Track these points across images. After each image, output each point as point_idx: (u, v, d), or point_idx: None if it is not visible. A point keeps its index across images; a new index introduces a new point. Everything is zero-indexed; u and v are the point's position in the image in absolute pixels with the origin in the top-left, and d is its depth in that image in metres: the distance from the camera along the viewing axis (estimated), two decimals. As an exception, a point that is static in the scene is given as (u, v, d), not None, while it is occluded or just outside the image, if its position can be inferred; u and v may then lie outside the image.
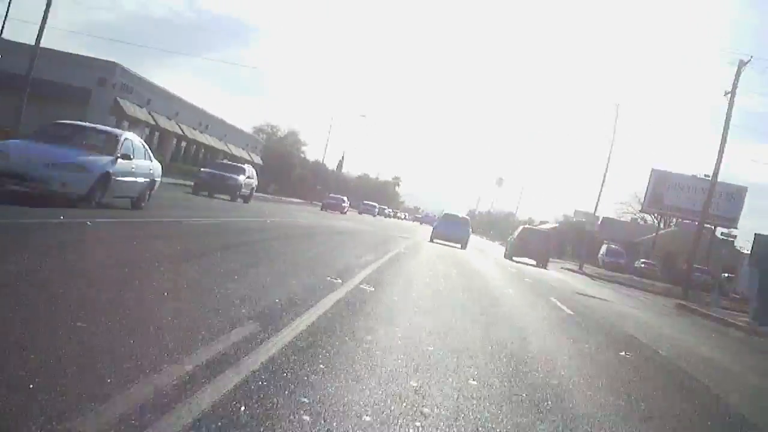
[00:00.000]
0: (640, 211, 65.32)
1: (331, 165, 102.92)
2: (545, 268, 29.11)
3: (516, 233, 33.28)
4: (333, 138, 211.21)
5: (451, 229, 30.55)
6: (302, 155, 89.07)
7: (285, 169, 69.38)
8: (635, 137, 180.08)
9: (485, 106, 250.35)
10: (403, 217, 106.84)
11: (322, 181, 71.60)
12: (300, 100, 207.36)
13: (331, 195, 52.95)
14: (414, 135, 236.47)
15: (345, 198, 52.02)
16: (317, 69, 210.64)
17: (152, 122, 44.47)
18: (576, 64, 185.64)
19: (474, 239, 65.34)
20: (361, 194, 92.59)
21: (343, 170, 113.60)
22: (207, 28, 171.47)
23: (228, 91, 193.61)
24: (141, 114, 43.05)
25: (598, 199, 40.11)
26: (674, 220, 64.51)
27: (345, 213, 49.57)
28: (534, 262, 30.08)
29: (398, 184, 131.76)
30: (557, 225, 69.80)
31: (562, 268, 37.51)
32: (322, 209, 46.59)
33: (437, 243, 29.91)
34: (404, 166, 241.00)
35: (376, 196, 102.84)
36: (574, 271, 35.97)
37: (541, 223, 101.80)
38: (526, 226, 38.96)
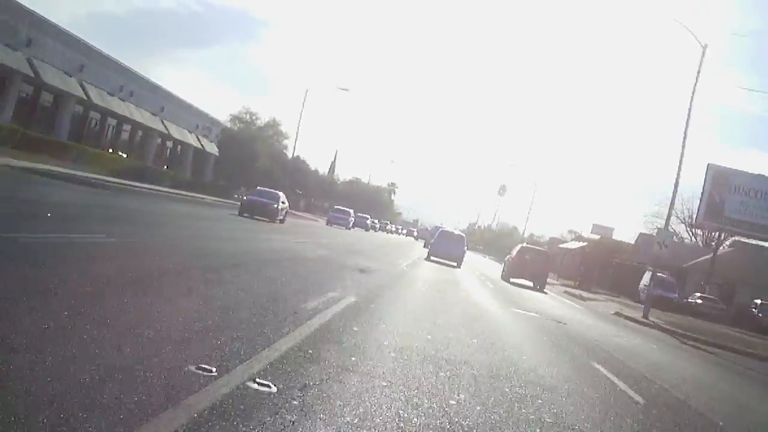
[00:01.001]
0: (692, 225, 52.16)
1: (322, 168, 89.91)
2: (543, 292, 27.28)
3: (514, 252, 31.94)
4: (312, 121, 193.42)
5: (447, 248, 30.68)
6: (284, 150, 75.77)
7: (249, 162, 56.31)
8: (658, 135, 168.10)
9: (487, 111, 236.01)
10: (394, 229, 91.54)
11: (293, 178, 58.03)
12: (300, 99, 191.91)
13: (259, 188, 33.82)
14: (413, 142, 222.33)
15: (280, 194, 32.35)
16: (316, 66, 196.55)
17: (30, 74, 31.24)
18: (587, 58, 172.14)
19: (476, 259, 51.92)
20: (350, 202, 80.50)
21: (336, 174, 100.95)
22: (212, 21, 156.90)
23: (237, 89, 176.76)
24: (10, 59, 29.89)
25: (672, 204, 26.44)
26: (722, 236, 51.46)
27: (281, 221, 31.20)
28: (532, 284, 28.73)
29: (394, 192, 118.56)
30: (584, 245, 55.48)
31: (618, 315, 24.26)
32: (241, 214, 29.21)
33: (430, 286, 17.35)
34: (402, 176, 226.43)
35: (368, 204, 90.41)
36: (636, 320, 22.73)
37: (551, 240, 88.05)
38: (525, 245, 35.86)
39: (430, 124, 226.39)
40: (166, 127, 45.49)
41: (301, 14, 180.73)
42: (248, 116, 73.96)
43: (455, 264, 29.09)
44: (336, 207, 55.48)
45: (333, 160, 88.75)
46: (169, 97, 46.39)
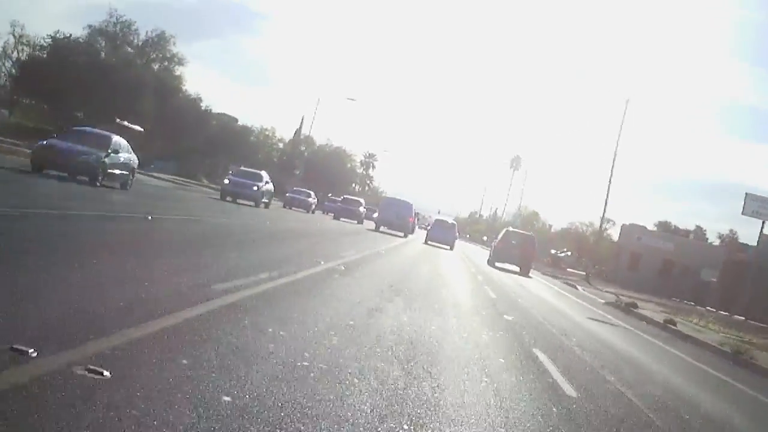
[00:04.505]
0: None
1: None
2: (528, 276, 27.83)
3: (499, 236, 32.96)
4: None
5: (441, 234, 35.00)
6: (179, 84, 49.81)
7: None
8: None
9: (498, 88, 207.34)
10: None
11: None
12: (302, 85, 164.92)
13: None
14: (412, 122, 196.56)
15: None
16: (318, 57, 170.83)
17: None
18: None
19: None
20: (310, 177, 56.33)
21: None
22: (210, 14, 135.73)
23: (237, 82, 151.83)
24: None
25: None
26: None
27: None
28: (518, 270, 29.17)
29: (372, 165, 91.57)
30: None
31: None
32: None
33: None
34: (399, 159, 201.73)
35: (328, 175, 64.47)
36: None
37: (630, 229, 56.44)
38: (510, 228, 35.14)
39: (433, 101, 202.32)
40: None
41: (300, 5, 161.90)
42: (117, 27, 45.49)
43: (448, 247, 33.51)
44: (241, 168, 36.54)
45: (299, 126, 64.71)
46: None
